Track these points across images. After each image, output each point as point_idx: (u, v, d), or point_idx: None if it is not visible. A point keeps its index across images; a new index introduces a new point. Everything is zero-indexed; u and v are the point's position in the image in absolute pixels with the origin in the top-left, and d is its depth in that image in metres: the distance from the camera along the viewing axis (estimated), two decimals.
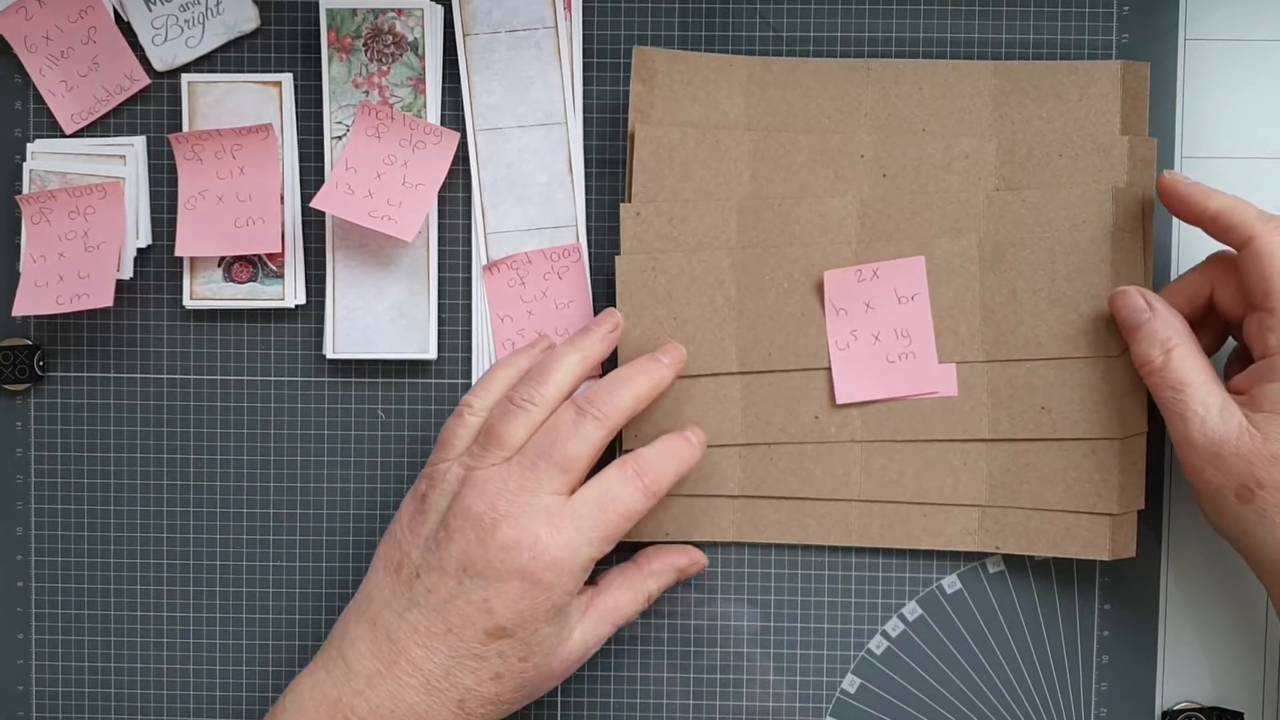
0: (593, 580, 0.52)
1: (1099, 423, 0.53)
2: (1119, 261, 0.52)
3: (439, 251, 0.55)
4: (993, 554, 0.55)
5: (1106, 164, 0.53)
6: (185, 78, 0.55)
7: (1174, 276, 0.55)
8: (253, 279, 0.55)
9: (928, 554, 0.55)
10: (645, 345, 0.53)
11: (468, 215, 0.56)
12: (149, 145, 0.56)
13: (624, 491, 0.48)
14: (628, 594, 0.51)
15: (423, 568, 0.48)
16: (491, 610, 0.47)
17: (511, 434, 0.49)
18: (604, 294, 0.55)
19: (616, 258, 0.53)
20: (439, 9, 0.55)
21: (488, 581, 0.47)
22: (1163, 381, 0.49)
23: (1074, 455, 0.53)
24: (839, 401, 0.53)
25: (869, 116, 0.54)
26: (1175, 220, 0.55)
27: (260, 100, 0.55)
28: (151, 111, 0.56)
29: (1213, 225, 0.49)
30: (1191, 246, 0.55)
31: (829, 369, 0.53)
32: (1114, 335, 0.52)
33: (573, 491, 0.48)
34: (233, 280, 0.55)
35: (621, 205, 0.54)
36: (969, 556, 0.55)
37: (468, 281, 0.56)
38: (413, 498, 0.50)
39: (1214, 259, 0.51)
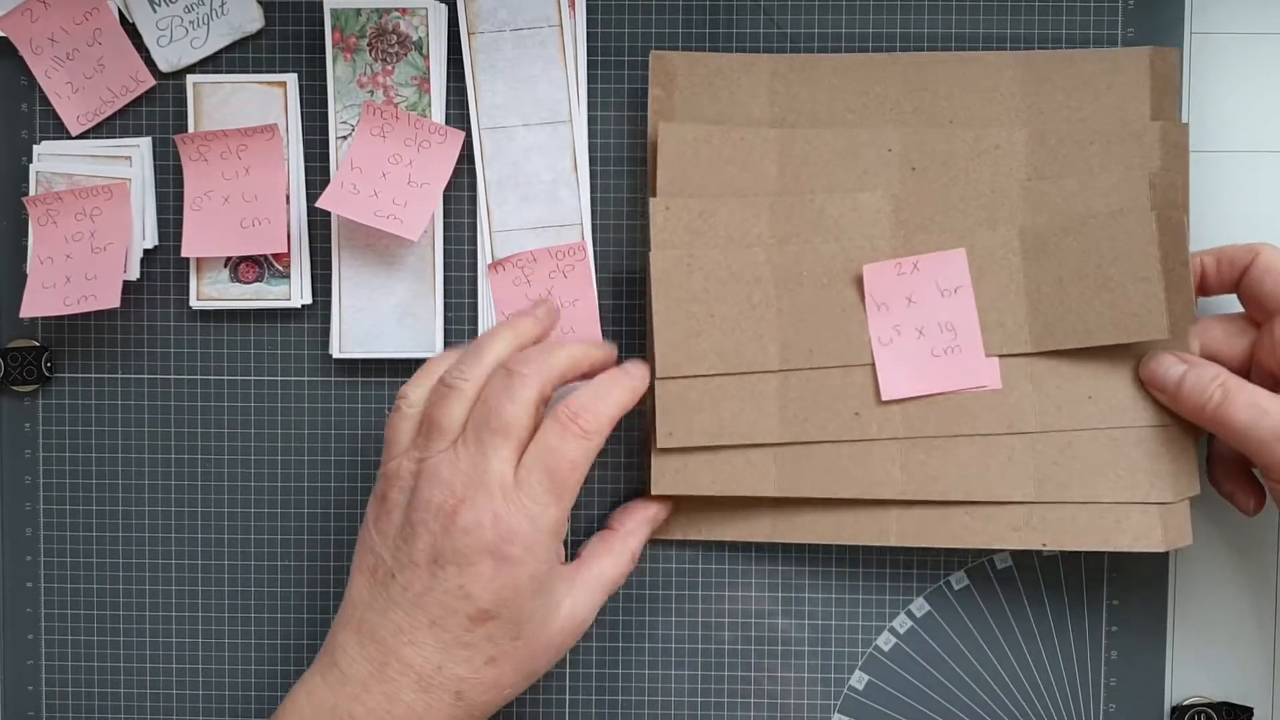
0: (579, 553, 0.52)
1: (1146, 410, 0.52)
2: (1166, 242, 0.51)
3: (444, 250, 0.55)
4: (1002, 551, 0.55)
5: (1139, 150, 0.52)
6: (190, 78, 0.55)
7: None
8: (259, 279, 0.55)
9: (935, 550, 0.55)
10: (684, 344, 0.52)
11: (473, 214, 0.56)
12: (155, 146, 0.56)
13: (562, 443, 0.48)
14: (610, 559, 0.51)
15: (395, 566, 0.48)
16: (470, 595, 0.47)
17: (449, 417, 0.48)
18: (609, 292, 0.55)
19: (650, 254, 0.52)
20: (443, 8, 0.55)
21: (459, 568, 0.47)
22: (1232, 407, 0.49)
23: (1123, 445, 0.52)
24: (885, 398, 0.52)
25: (895, 111, 0.54)
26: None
27: (265, 100, 0.55)
28: (157, 113, 0.56)
29: (1225, 269, 0.52)
30: (1203, 234, 0.55)
31: (871, 365, 0.52)
32: (1165, 317, 0.51)
33: (522, 456, 0.48)
34: (239, 280, 0.55)
35: (650, 200, 0.52)
36: (977, 553, 0.55)
37: (473, 280, 0.56)
38: (374, 499, 0.50)
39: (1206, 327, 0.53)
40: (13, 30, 0.55)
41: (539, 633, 0.48)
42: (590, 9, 0.55)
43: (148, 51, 0.56)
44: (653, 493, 0.53)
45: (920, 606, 0.56)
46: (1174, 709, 0.55)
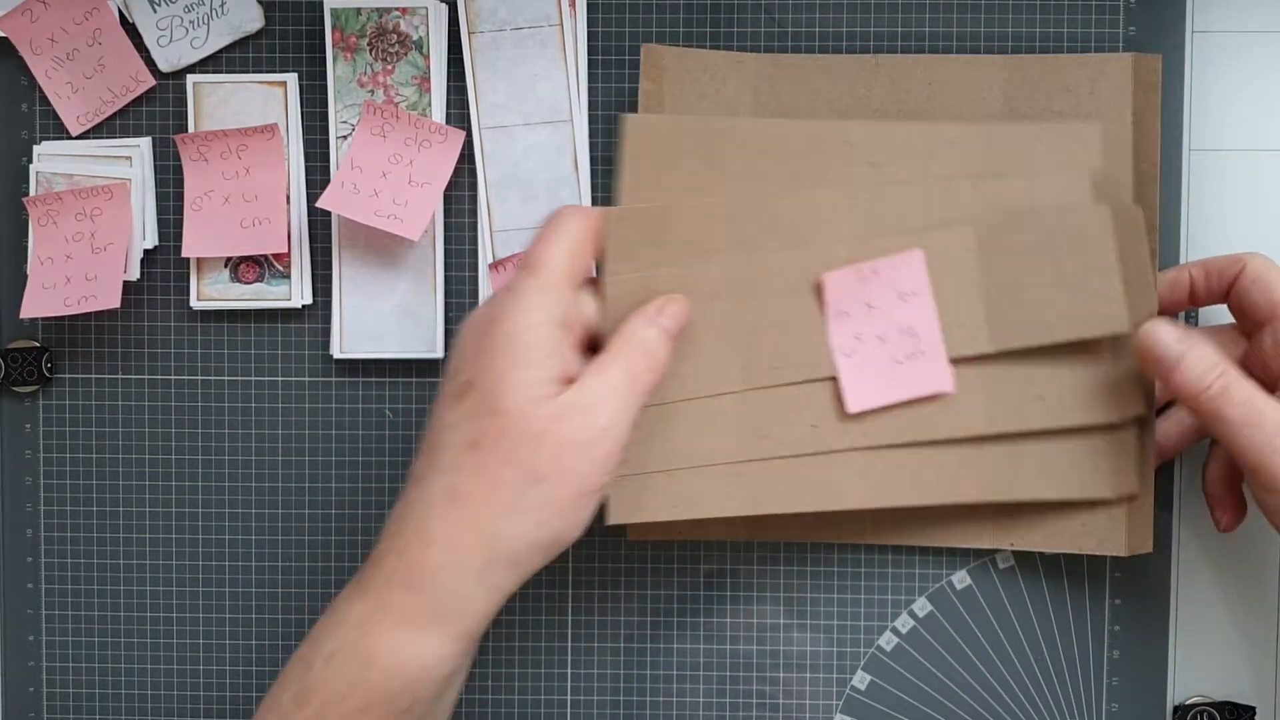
0: None
1: (1095, 408, 0.51)
2: (1123, 234, 0.50)
3: (445, 250, 0.55)
4: (1003, 550, 0.55)
5: (1082, 150, 0.51)
6: (190, 78, 0.55)
7: (1183, 255, 0.54)
8: (259, 279, 0.55)
9: (937, 550, 0.55)
10: None
11: (473, 214, 0.56)
12: (155, 146, 0.56)
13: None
14: (614, 358, 0.45)
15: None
16: (459, 369, 0.45)
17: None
18: None
19: (604, 278, 0.49)
20: (443, 7, 0.55)
21: (461, 353, 0.45)
22: (1228, 400, 0.47)
23: (1067, 444, 0.51)
24: (852, 411, 0.50)
25: (878, 112, 0.54)
26: (1184, 221, 0.55)
27: (265, 100, 0.55)
28: (157, 113, 0.56)
29: (1213, 280, 0.51)
30: (1203, 234, 0.55)
31: (832, 378, 0.50)
32: (1126, 310, 0.49)
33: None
34: (239, 281, 0.55)
35: (604, 212, 0.49)
36: (979, 553, 0.55)
37: (474, 280, 0.56)
38: None
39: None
40: (13, 31, 0.55)
41: (526, 414, 0.43)
42: (590, 8, 0.55)
43: (148, 51, 0.56)
44: (610, 522, 0.49)
45: (923, 606, 0.55)
46: (1176, 708, 0.55)
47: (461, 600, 0.44)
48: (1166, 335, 0.48)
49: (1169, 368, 0.48)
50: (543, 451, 0.43)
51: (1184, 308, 0.53)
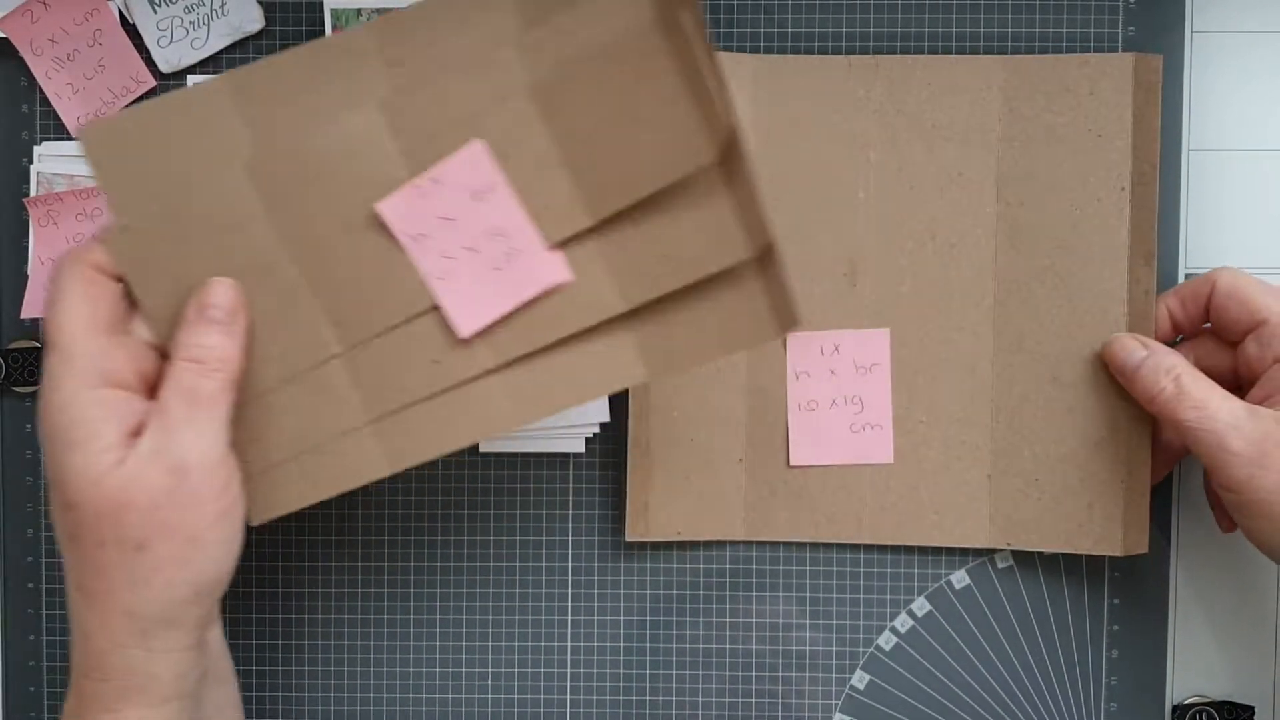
0: None
1: (726, 248, 0.44)
2: (684, 52, 0.42)
3: None
4: (1002, 550, 0.55)
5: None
6: (190, 79, 0.55)
7: (1182, 255, 0.55)
8: None
9: (936, 550, 0.55)
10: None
11: None
12: None
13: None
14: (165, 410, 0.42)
15: None
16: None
17: None
18: None
19: (138, 302, 0.45)
20: None
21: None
22: (1180, 404, 0.49)
23: (707, 286, 0.45)
24: (465, 334, 0.45)
25: (877, 113, 0.54)
26: (1183, 221, 0.55)
27: None
28: None
29: (1190, 306, 0.52)
30: (1204, 234, 0.55)
31: (435, 307, 0.45)
32: (706, 136, 0.43)
33: None
34: None
35: (101, 239, 0.44)
36: (978, 552, 0.55)
37: None
38: None
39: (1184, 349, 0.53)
40: (13, 31, 0.55)
41: (94, 495, 0.41)
42: None
43: (148, 52, 0.56)
44: (251, 524, 0.45)
45: (921, 606, 0.56)
46: (1175, 708, 0.55)
47: (140, 674, 0.42)
48: (1127, 344, 0.51)
49: (1129, 376, 0.51)
50: (128, 522, 0.41)
51: (1170, 339, 0.53)
